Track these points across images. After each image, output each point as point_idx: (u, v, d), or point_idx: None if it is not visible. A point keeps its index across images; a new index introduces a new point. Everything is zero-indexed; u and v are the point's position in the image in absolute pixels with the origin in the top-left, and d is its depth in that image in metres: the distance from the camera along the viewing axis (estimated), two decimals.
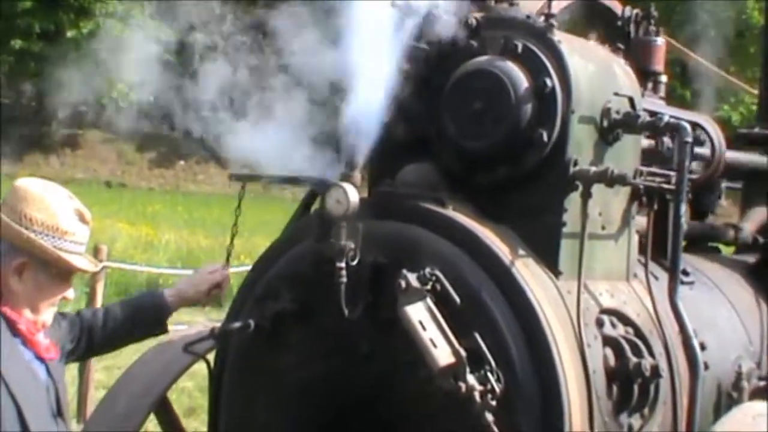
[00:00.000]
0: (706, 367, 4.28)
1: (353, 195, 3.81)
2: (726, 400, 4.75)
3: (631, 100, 4.30)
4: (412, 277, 3.69)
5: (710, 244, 5.90)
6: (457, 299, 3.74)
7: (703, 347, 4.29)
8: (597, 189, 4.02)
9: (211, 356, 4.59)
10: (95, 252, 10.66)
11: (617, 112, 4.19)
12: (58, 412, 3.63)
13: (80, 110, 51.55)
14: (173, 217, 29.21)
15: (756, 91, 7.04)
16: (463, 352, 3.59)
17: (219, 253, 18.37)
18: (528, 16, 4.23)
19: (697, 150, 5.09)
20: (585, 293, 3.98)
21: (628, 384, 3.98)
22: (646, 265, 4.36)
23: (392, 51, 3.94)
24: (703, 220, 5.82)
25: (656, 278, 4.41)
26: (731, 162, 5.58)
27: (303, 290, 4.07)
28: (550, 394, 3.74)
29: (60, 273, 3.60)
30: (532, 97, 4.00)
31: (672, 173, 4.31)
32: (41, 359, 3.60)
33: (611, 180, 4.00)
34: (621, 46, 5.13)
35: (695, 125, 5.21)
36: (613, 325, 4.09)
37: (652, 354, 4.10)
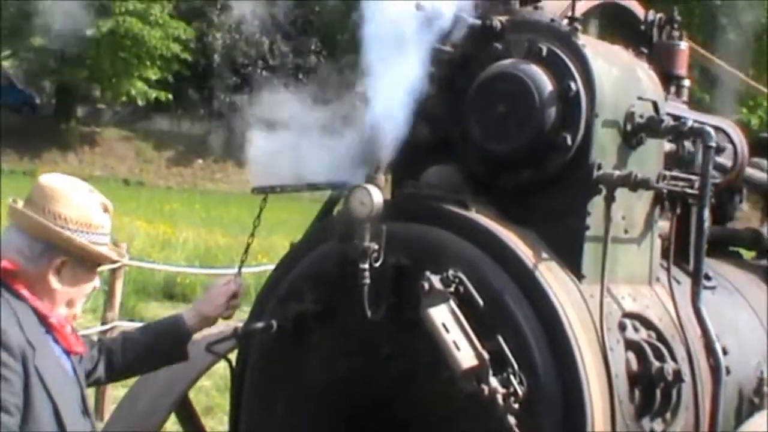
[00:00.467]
0: (728, 371, 4.27)
1: (377, 196, 3.82)
2: (747, 405, 4.74)
3: (655, 104, 4.29)
4: (436, 279, 3.69)
5: (731, 249, 5.89)
6: (480, 302, 3.74)
7: (725, 352, 4.28)
8: (620, 193, 4.02)
9: (232, 356, 4.60)
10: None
11: (641, 116, 4.18)
12: (84, 409, 3.65)
13: (99, 108, 51.85)
14: (191, 215, 29.30)
15: None
16: (486, 355, 3.59)
17: (237, 251, 18.39)
18: (552, 20, 4.23)
19: (719, 160, 5.07)
20: (608, 297, 3.97)
21: (651, 388, 3.98)
22: (668, 270, 4.36)
23: (417, 54, 3.94)
24: (725, 224, 5.81)
25: (678, 282, 4.41)
26: (749, 178, 5.58)
27: (326, 291, 4.08)
28: (573, 397, 3.74)
29: (93, 265, 3.65)
30: (556, 101, 3.99)
31: (695, 177, 4.31)
32: (68, 354, 3.62)
33: (634, 184, 3.99)
34: (644, 50, 5.13)
35: (718, 130, 5.19)
36: (636, 329, 4.08)
37: (674, 358, 4.09)
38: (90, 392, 4.05)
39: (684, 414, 4.13)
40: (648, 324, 4.16)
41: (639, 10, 5.52)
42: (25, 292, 3.50)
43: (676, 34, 5.40)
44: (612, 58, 4.28)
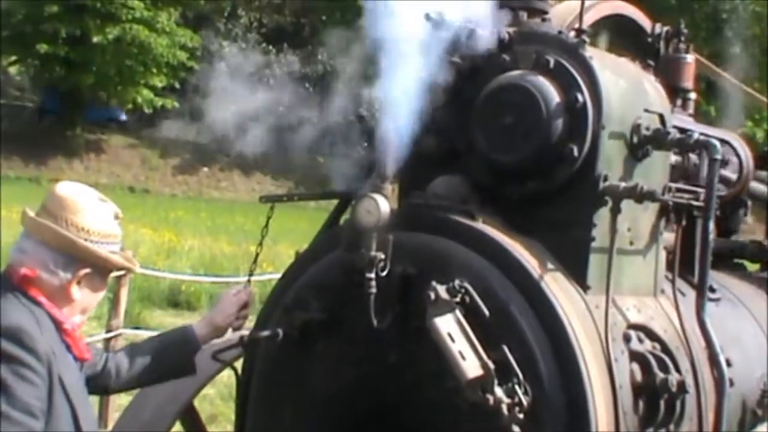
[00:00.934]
0: (732, 383, 4.28)
1: (384, 206, 3.84)
2: (751, 417, 4.75)
3: (661, 117, 4.31)
4: (442, 289, 3.70)
5: (736, 261, 5.90)
6: (486, 312, 3.75)
7: (729, 364, 4.29)
8: (626, 204, 4.04)
9: (238, 364, 4.61)
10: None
11: (647, 129, 4.20)
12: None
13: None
14: (196, 223, 29.34)
15: None
16: (491, 365, 3.60)
17: (242, 259, 18.46)
18: (560, 32, 4.25)
19: (724, 173, 5.08)
20: (613, 308, 3.99)
21: (655, 399, 3.99)
22: (673, 281, 4.37)
23: (425, 64, 3.96)
24: (729, 236, 5.82)
25: (683, 294, 4.42)
26: (753, 192, 5.60)
27: (332, 300, 4.09)
28: (577, 407, 3.75)
29: (107, 273, 3.70)
30: (563, 112, 4.01)
31: (700, 190, 4.32)
32: (77, 360, 3.64)
33: (640, 196, 4.01)
34: (651, 62, 5.15)
35: (723, 142, 5.21)
36: (640, 341, 4.10)
37: (678, 370, 4.10)
38: (94, 400, 4.06)
39: (687, 425, 4.14)
40: (652, 335, 4.17)
41: (646, 23, 5.55)
42: (42, 299, 3.52)
43: (682, 46, 5.43)
44: (619, 70, 4.30)
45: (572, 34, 4.23)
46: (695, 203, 4.31)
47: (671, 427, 4.08)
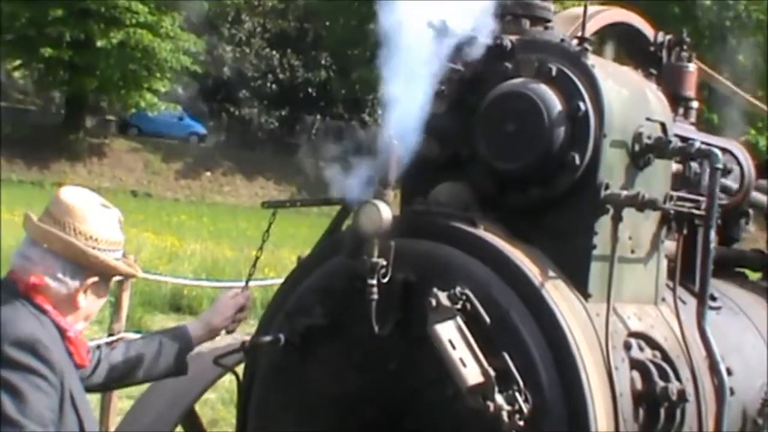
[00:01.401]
0: (732, 392, 4.28)
1: (386, 212, 3.85)
2: (751, 426, 4.76)
3: (663, 126, 4.32)
4: (443, 296, 3.71)
5: (737, 270, 5.91)
6: (487, 319, 3.76)
7: (729, 373, 4.29)
8: (627, 213, 4.04)
9: (239, 369, 4.62)
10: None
11: (649, 137, 4.21)
12: None
13: (107, 119, 51.99)
14: (199, 228, 29.37)
15: None
16: (491, 372, 3.60)
17: (244, 264, 18.46)
18: (562, 40, 4.26)
19: (725, 182, 5.08)
20: (613, 316, 3.99)
21: (655, 408, 3.99)
22: (674, 290, 4.38)
23: (427, 71, 3.97)
24: (731, 245, 5.83)
25: (684, 303, 4.43)
26: (755, 201, 5.61)
27: (334, 306, 4.10)
28: (577, 415, 3.75)
29: (110, 279, 3.69)
30: (565, 121, 4.02)
31: (702, 198, 4.33)
32: (77, 367, 3.61)
33: (642, 204, 4.01)
34: (653, 71, 5.16)
35: (725, 151, 5.22)
36: (641, 349, 4.11)
37: (678, 378, 4.11)
38: (95, 403, 4.05)
39: None
40: (653, 344, 4.18)
41: (649, 31, 5.56)
42: (48, 307, 3.50)
43: (685, 55, 5.44)
44: (621, 78, 4.31)
45: (575, 42, 4.24)
46: (696, 212, 4.31)
47: None
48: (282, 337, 4.13)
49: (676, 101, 5.17)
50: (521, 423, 3.63)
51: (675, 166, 4.67)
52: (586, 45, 4.16)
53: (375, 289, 3.82)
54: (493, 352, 3.67)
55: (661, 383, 3.99)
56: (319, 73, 52.13)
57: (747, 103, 7.39)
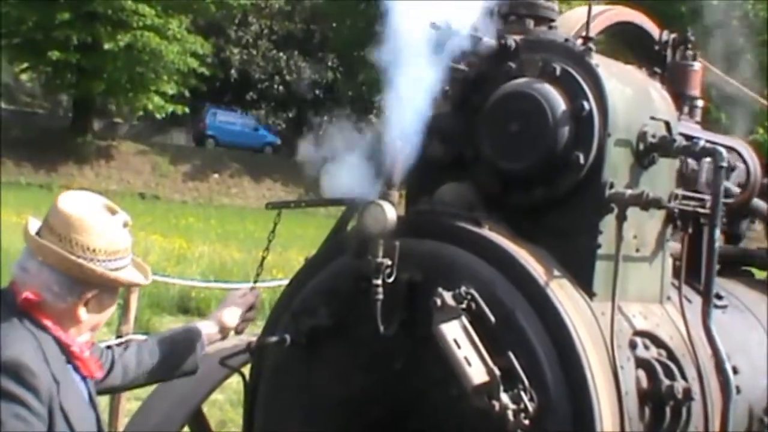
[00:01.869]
0: (738, 391, 4.29)
1: (391, 213, 3.86)
2: (757, 425, 4.76)
3: (668, 124, 4.32)
4: (448, 296, 3.72)
5: (743, 268, 5.91)
6: (492, 318, 3.76)
7: (735, 371, 4.30)
8: (632, 212, 4.05)
9: (246, 370, 4.63)
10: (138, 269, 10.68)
11: (653, 136, 4.21)
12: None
13: (115, 122, 52.06)
14: (206, 230, 29.39)
15: None
16: (497, 371, 3.61)
17: (251, 266, 18.46)
18: (566, 39, 4.27)
19: (728, 184, 5.06)
20: (619, 315, 4.00)
21: (661, 406, 4.00)
22: (679, 288, 4.38)
23: (432, 72, 3.98)
24: (737, 244, 5.83)
25: (689, 301, 4.43)
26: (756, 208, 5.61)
27: (339, 306, 4.12)
28: (583, 414, 3.76)
29: (117, 288, 3.57)
30: (569, 120, 4.03)
31: (707, 197, 4.34)
32: (84, 378, 3.55)
33: (646, 203, 4.02)
34: (658, 70, 5.17)
35: (730, 150, 5.22)
36: (646, 348, 4.11)
37: (684, 377, 4.11)
38: (103, 405, 4.04)
39: None
40: (658, 342, 4.18)
41: (653, 30, 5.56)
42: (48, 323, 3.39)
43: (689, 54, 5.44)
44: (625, 77, 4.31)
45: (579, 41, 4.24)
46: (701, 210, 4.32)
47: None
48: (288, 337, 4.14)
49: (681, 100, 5.18)
50: (526, 422, 3.64)
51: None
52: (590, 44, 4.16)
53: (380, 289, 3.84)
54: (498, 352, 3.68)
55: (666, 382, 4.00)
56: (326, 75, 52.20)
57: (754, 102, 7.39)
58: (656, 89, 4.47)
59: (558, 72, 4.09)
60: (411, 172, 4.08)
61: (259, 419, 4.45)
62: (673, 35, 5.44)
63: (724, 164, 4.16)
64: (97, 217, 3.46)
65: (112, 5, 44.13)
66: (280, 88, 53.37)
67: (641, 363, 4.03)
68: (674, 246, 4.50)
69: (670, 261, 4.45)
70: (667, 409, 4.00)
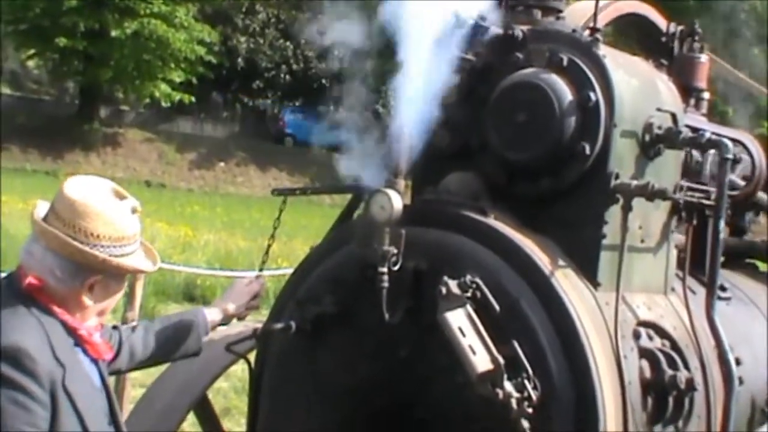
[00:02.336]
0: (741, 382, 4.31)
1: (397, 201, 3.87)
2: (759, 416, 4.78)
3: (674, 116, 4.34)
4: (453, 284, 3.74)
5: (747, 260, 5.92)
6: (497, 307, 3.78)
7: (738, 362, 4.32)
8: (637, 203, 4.07)
9: (251, 356, 4.65)
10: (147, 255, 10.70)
11: (659, 128, 4.23)
12: (112, 416, 3.59)
13: (122, 109, 52.08)
14: (212, 218, 29.42)
15: None
16: (501, 360, 3.63)
17: (257, 255, 18.46)
18: (574, 30, 4.28)
19: (733, 177, 5.07)
20: (623, 305, 4.02)
21: (663, 396, 4.02)
22: (683, 280, 4.40)
23: (439, 61, 4.00)
24: (741, 236, 5.84)
25: (693, 293, 4.45)
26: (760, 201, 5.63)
27: (345, 294, 4.14)
28: (586, 403, 3.78)
29: (124, 274, 3.57)
30: (575, 111, 4.04)
31: (712, 189, 4.35)
32: (95, 361, 3.55)
33: (651, 194, 4.04)
34: (664, 61, 5.17)
35: (736, 142, 5.23)
36: (650, 338, 4.13)
37: (687, 367, 4.13)
38: None
39: (696, 423, 4.17)
40: (662, 333, 4.20)
41: (661, 22, 5.57)
42: (54, 307, 3.40)
43: (697, 46, 5.45)
44: (632, 69, 4.33)
45: (586, 33, 4.26)
46: (706, 202, 4.33)
47: (679, 424, 4.11)
48: (293, 324, 4.16)
49: (688, 92, 5.19)
50: (530, 410, 3.66)
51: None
52: (598, 35, 4.17)
53: (385, 277, 3.85)
54: (502, 340, 3.70)
55: (669, 372, 4.02)
56: (332, 64, 52.19)
57: (760, 95, 7.39)
58: (663, 81, 4.49)
59: (565, 62, 4.10)
60: (417, 161, 4.09)
61: (264, 406, 4.47)
62: (680, 27, 5.45)
63: (730, 156, 4.17)
64: (103, 203, 3.46)
65: None
66: (287, 77, 53.32)
67: (644, 353, 4.05)
68: (679, 237, 4.52)
69: (674, 252, 4.47)
70: (670, 399, 4.03)
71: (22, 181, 31.42)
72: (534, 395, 3.68)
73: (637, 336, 4.07)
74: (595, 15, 4.32)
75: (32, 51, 48.72)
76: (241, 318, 4.39)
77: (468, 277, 3.78)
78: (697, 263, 4.58)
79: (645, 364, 4.04)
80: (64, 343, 3.40)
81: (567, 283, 3.95)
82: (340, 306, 4.16)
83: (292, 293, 4.41)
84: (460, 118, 4.23)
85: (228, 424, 9.17)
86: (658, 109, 4.27)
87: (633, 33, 5.46)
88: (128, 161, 48.07)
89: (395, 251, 3.88)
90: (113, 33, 44.59)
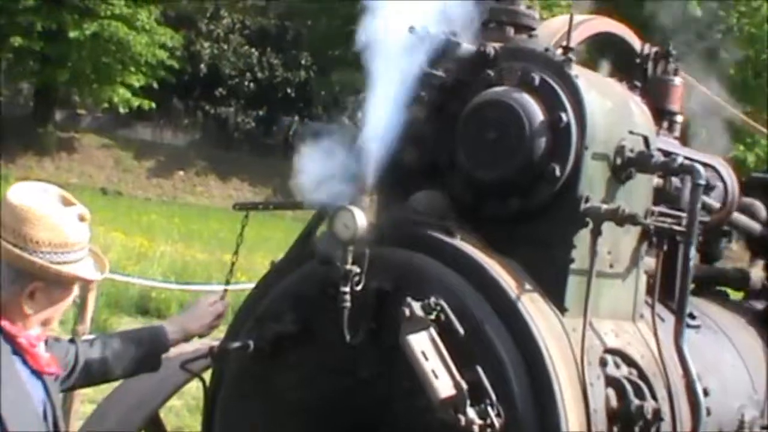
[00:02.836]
0: (709, 412, 4.32)
1: (361, 219, 3.88)
2: None
3: (646, 139, 4.36)
4: (417, 306, 3.74)
5: (718, 288, 5.96)
6: (461, 331, 3.79)
7: (706, 393, 4.34)
8: (607, 227, 4.09)
9: (206, 375, 4.64)
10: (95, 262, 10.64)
11: (631, 151, 4.25)
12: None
13: (78, 113, 51.79)
14: (169, 228, 29.24)
15: None
16: (464, 385, 3.64)
17: (215, 267, 18.45)
18: (547, 49, 4.30)
19: (706, 199, 5.10)
20: (590, 331, 4.04)
21: (630, 426, 4.03)
22: (652, 306, 4.42)
23: (408, 77, 4.01)
24: (713, 263, 5.88)
25: (662, 320, 4.47)
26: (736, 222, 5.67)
27: (305, 312, 4.14)
28: (550, 431, 3.80)
29: (70, 283, 3.57)
30: (546, 131, 4.06)
31: (683, 214, 4.38)
32: (39, 375, 3.54)
33: (622, 219, 4.06)
34: (638, 83, 5.21)
35: (709, 167, 5.27)
36: (617, 366, 4.15)
37: (654, 397, 4.15)
38: None
39: None
40: (629, 361, 4.22)
41: (635, 42, 5.60)
42: None
43: (671, 68, 5.49)
44: (605, 90, 4.35)
45: (559, 51, 4.28)
46: (677, 228, 4.36)
47: None
48: (251, 343, 4.15)
49: (661, 115, 5.22)
50: None
51: (656, 181, 4.71)
52: (571, 55, 4.20)
53: (347, 297, 3.86)
54: (466, 365, 3.71)
55: (636, 401, 4.04)
56: (299, 73, 52.15)
57: (736, 118, 7.45)
58: (636, 103, 4.51)
59: (537, 82, 4.12)
60: (383, 177, 4.11)
61: (218, 426, 4.46)
62: (654, 48, 5.49)
63: (702, 182, 4.20)
64: (45, 209, 3.47)
65: None
66: (251, 85, 53.26)
67: (611, 381, 4.07)
68: (649, 263, 4.54)
69: (644, 278, 4.50)
70: (636, 429, 4.04)
71: None
72: (497, 422, 3.69)
73: (603, 363, 4.08)
74: (568, 33, 4.33)
75: None
76: (203, 336, 4.39)
77: (432, 299, 3.78)
78: (667, 290, 4.61)
79: (611, 392, 4.05)
80: (3, 351, 3.39)
81: (533, 307, 3.96)
82: (301, 325, 4.16)
83: (251, 310, 4.41)
84: (428, 134, 4.24)
85: None
86: (631, 132, 4.30)
87: (607, 52, 5.48)
88: (83, 167, 47.77)
89: (358, 270, 3.89)
90: (71, 34, 44.31)
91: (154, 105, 46.54)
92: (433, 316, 3.75)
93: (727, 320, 5.47)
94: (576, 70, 4.18)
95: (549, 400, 3.81)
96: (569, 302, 4.08)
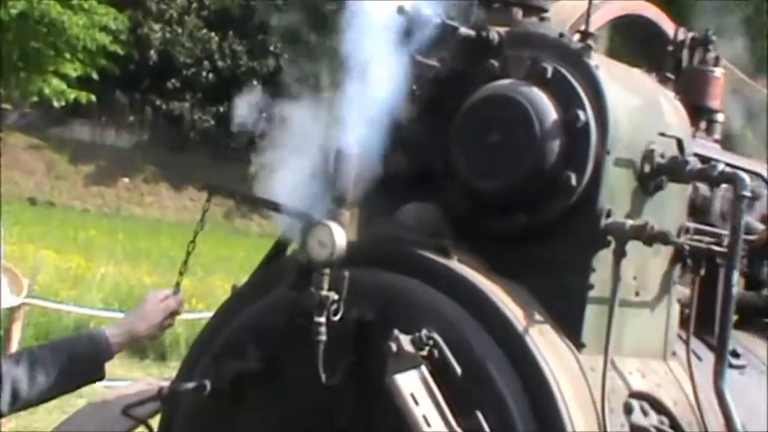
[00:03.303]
0: None
1: (339, 237, 3.88)
2: None
3: (680, 143, 4.36)
4: (405, 340, 3.74)
5: (766, 321, 5.96)
6: (458, 369, 3.79)
7: None
8: (632, 247, 4.10)
9: (154, 422, 4.64)
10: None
11: (662, 156, 4.26)
12: None
13: (2, 108, 51.72)
14: (112, 246, 29.16)
15: None
16: None
17: None
18: (561, 34, 4.30)
19: (748, 219, 5.09)
20: (612, 372, 4.04)
21: None
22: (687, 342, 4.42)
23: (396, 68, 4.02)
24: (759, 290, 5.89)
25: (699, 359, 4.48)
26: None
27: (272, 348, 4.13)
28: None
29: None
30: (560, 133, 4.07)
31: (723, 232, 4.38)
32: None
33: (650, 237, 4.07)
34: (671, 75, 5.20)
35: (754, 175, 5.26)
36: (645, 413, 4.15)
37: None
38: None
39: None
40: (659, 407, 4.22)
41: (668, 27, 5.60)
42: None
43: (710, 57, 5.48)
44: (631, 84, 4.37)
45: (576, 37, 4.29)
46: (717, 248, 4.36)
47: None
48: (208, 383, 4.15)
49: (698, 113, 5.22)
50: None
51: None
52: (590, 41, 4.20)
53: (323, 329, 3.86)
54: (463, 410, 3.71)
55: None
56: (267, 62, 52.24)
57: None
58: (668, 99, 4.52)
59: (549, 74, 4.13)
60: (366, 187, 4.11)
61: None
62: (690, 34, 5.49)
63: (747, 193, 4.19)
64: None
65: None
66: (210, 75, 53.30)
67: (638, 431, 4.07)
68: (682, 290, 4.54)
69: (677, 308, 4.50)
70: None
71: None
72: None
73: (628, 410, 4.09)
74: (587, 16, 4.34)
75: None
76: (153, 339, 4.37)
77: (424, 332, 3.79)
78: (704, 322, 4.61)
79: None
80: None
81: (544, 342, 3.97)
82: (266, 362, 4.16)
83: (207, 344, 4.41)
84: (419, 137, 4.25)
85: None
86: (662, 134, 4.30)
87: (633, 39, 5.49)
88: (8, 172, 47.67)
89: (336, 297, 3.89)
90: None
91: (93, 98, 46.45)
92: (424, 352, 3.76)
93: None
94: (596, 60, 4.19)
95: None
96: (587, 336, 4.08)
